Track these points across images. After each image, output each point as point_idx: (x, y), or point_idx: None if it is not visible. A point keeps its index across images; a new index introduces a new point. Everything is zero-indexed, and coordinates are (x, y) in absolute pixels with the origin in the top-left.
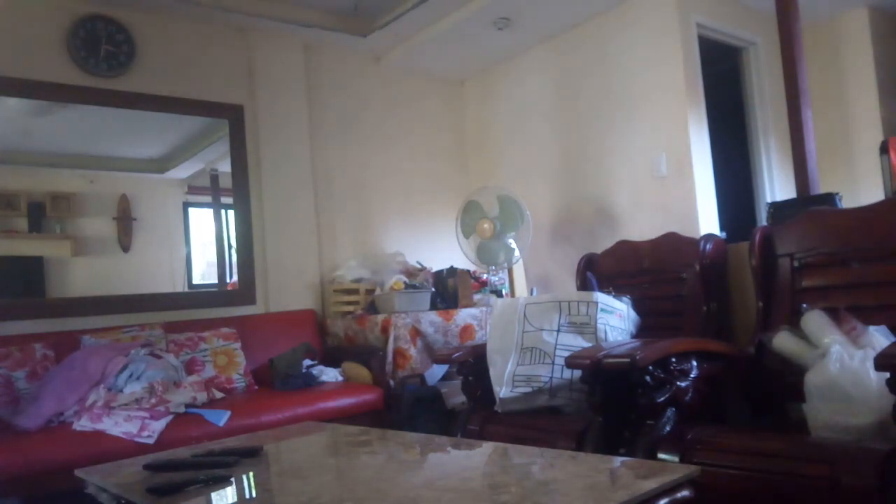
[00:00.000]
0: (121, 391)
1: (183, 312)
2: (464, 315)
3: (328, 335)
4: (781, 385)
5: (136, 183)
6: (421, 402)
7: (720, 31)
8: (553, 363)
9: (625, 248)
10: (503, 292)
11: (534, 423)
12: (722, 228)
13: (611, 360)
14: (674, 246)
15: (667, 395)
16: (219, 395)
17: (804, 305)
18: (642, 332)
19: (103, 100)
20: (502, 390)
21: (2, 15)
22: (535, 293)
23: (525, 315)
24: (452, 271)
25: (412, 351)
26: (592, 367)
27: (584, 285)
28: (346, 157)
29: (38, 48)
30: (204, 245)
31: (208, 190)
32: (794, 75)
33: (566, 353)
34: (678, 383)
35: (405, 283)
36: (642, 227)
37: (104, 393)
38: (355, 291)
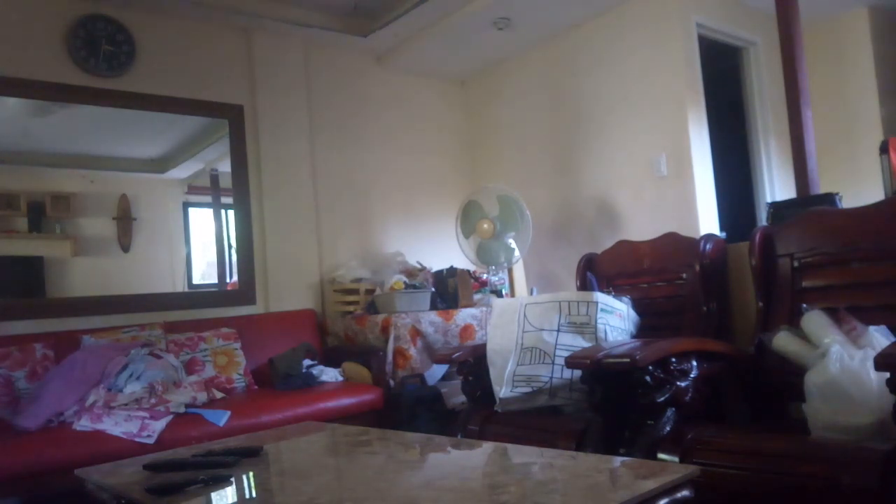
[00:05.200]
0: (121, 391)
1: (183, 312)
2: (464, 315)
3: (328, 335)
4: (781, 385)
5: (136, 183)
6: (421, 402)
7: (720, 31)
8: (553, 363)
9: (625, 248)
10: (503, 292)
11: (534, 423)
12: (722, 228)
13: (611, 360)
14: (674, 246)
15: (667, 395)
16: (219, 395)
17: (804, 305)
18: (642, 332)
19: (103, 100)
20: (502, 390)
21: (2, 15)
22: (535, 293)
23: (525, 315)
24: (452, 271)
25: (412, 351)
26: (592, 367)
27: (584, 285)
28: (346, 157)
29: (38, 48)
30: (204, 245)
31: (208, 190)
32: (794, 75)
33: (566, 353)
34: (678, 383)
35: (405, 283)
36: (642, 227)
37: (104, 393)
38: (355, 291)
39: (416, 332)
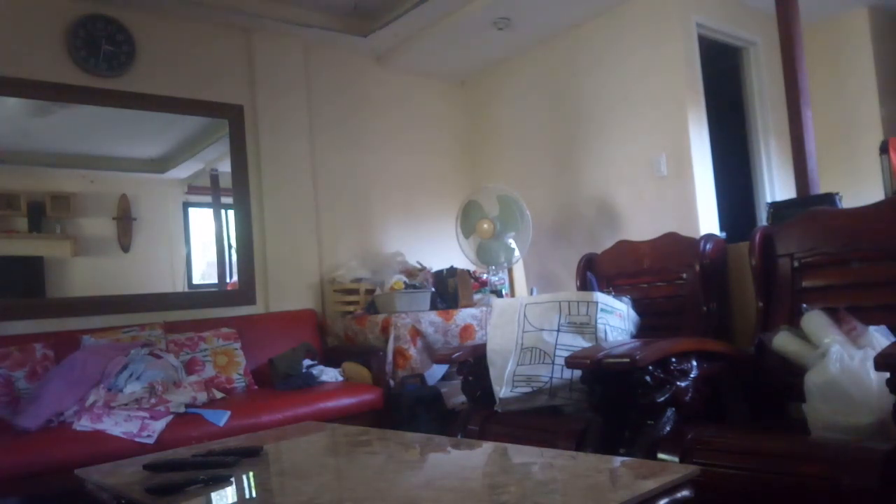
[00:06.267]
0: (121, 391)
1: (183, 312)
2: (464, 315)
3: (328, 335)
4: (781, 385)
5: (136, 183)
6: (421, 402)
7: (720, 31)
8: (553, 363)
9: (625, 248)
10: (503, 292)
11: (534, 423)
12: (722, 228)
13: (611, 360)
14: (674, 246)
15: (667, 395)
16: (219, 395)
17: (804, 305)
18: (642, 332)
19: (103, 100)
20: (502, 390)
21: (2, 15)
22: (535, 293)
23: (525, 315)
24: (452, 271)
25: (412, 351)
26: (592, 367)
27: (584, 285)
28: (345, 157)
29: (38, 48)
30: (204, 245)
31: (208, 190)
32: (794, 75)
33: (566, 353)
34: (678, 383)
35: (405, 283)
36: (642, 227)
37: (104, 393)
38: (355, 291)
39: (416, 332)
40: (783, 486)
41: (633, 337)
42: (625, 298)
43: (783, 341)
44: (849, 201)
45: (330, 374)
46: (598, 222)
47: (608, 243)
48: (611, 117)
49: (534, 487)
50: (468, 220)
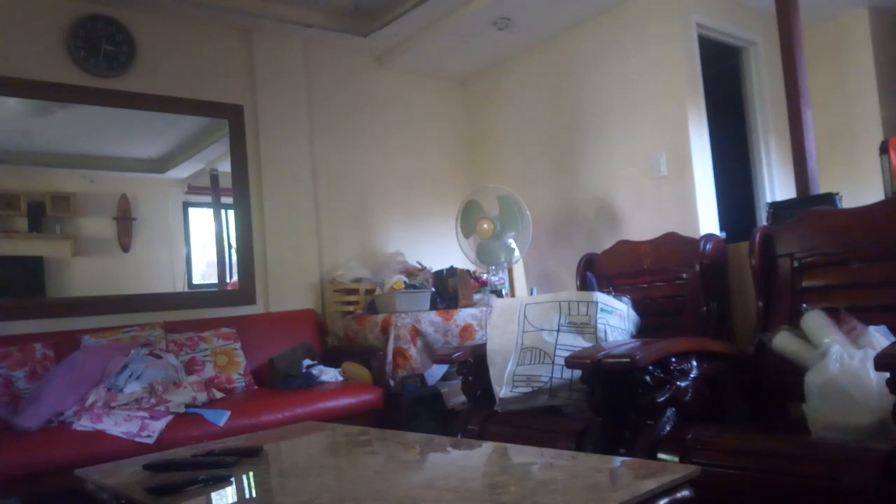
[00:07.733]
0: (121, 391)
1: (183, 312)
2: (464, 315)
3: (328, 335)
4: (781, 385)
5: (136, 183)
6: (421, 402)
7: (720, 30)
8: (553, 363)
9: (625, 248)
10: (503, 292)
11: (534, 423)
12: (722, 228)
13: (611, 360)
14: (674, 246)
15: (667, 395)
16: (219, 395)
17: (804, 305)
18: (642, 332)
19: (103, 100)
20: (502, 390)
21: (2, 15)
22: (535, 293)
23: (525, 315)
24: (452, 271)
25: (412, 351)
26: (592, 367)
27: (584, 285)
28: (346, 157)
29: (38, 48)
30: (204, 245)
31: (208, 190)
32: (794, 75)
33: (566, 353)
34: (678, 383)
35: (405, 283)
36: (642, 227)
37: (104, 393)
38: (355, 291)
39: (416, 332)
40: (783, 486)
41: (633, 337)
42: (625, 298)
43: (783, 341)
44: (849, 201)
45: (330, 374)
46: (598, 222)
47: (608, 243)
48: (611, 117)
49: (534, 487)
50: (468, 220)
